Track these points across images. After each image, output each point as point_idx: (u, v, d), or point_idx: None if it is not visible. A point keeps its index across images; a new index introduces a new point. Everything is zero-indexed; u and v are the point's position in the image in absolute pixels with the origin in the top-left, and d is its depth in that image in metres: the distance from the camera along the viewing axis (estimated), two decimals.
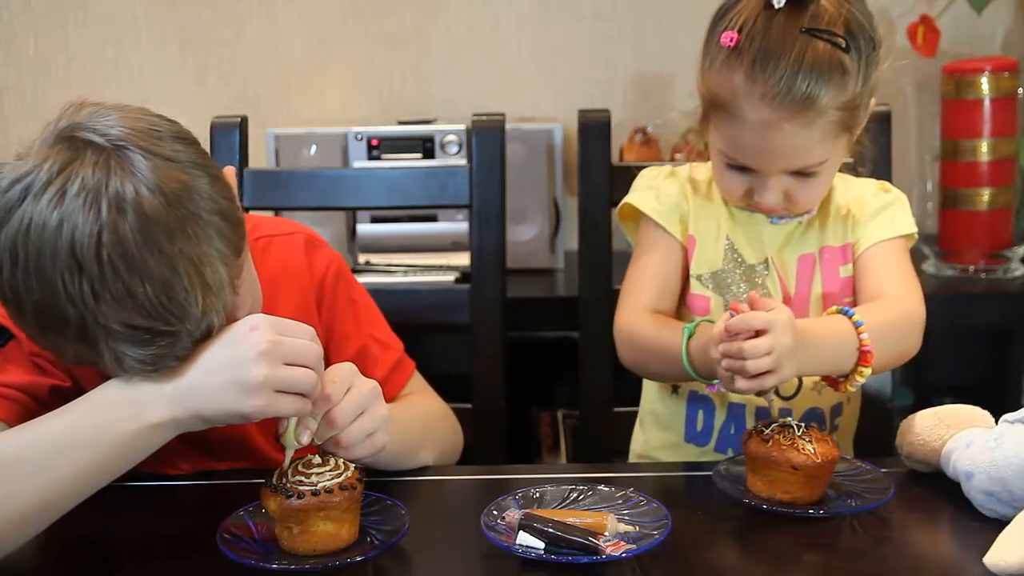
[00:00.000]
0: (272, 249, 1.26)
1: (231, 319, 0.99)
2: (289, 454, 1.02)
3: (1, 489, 0.94)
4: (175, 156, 0.96)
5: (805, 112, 1.18)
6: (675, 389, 1.41)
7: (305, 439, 1.00)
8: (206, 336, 0.97)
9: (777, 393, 1.34)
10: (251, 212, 1.58)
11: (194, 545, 1.03)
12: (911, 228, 1.35)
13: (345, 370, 1.04)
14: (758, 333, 1.11)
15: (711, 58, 1.24)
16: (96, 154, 0.93)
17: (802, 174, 1.25)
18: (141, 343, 0.94)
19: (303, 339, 0.99)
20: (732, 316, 1.12)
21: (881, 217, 1.35)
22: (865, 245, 1.34)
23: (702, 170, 1.40)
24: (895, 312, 1.27)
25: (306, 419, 1.00)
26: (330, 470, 1.00)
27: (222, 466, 1.22)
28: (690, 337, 1.24)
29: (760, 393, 1.15)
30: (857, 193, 1.38)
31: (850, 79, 1.19)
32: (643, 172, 1.44)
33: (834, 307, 1.24)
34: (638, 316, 1.33)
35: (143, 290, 0.91)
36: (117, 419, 0.96)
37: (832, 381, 1.22)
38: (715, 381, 1.23)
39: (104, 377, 1.00)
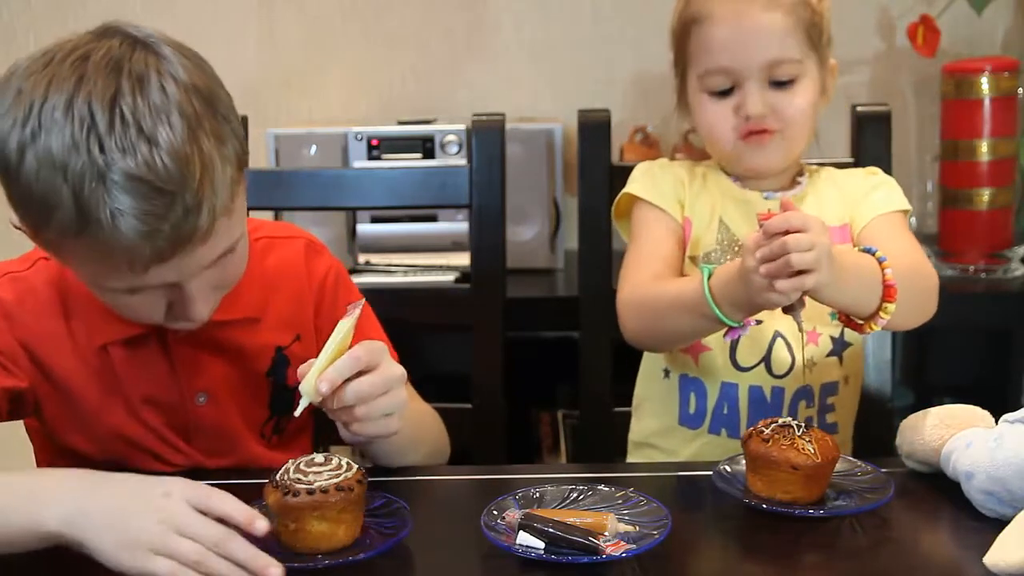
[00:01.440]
0: (273, 250, 1.27)
1: (224, 239, 1.03)
2: (304, 403, 1.03)
3: None
4: (203, 66, 1.04)
5: None
6: (667, 373, 1.41)
7: (324, 388, 1.01)
8: (195, 221, 0.97)
9: (769, 371, 1.35)
10: (251, 213, 1.59)
11: None
12: (906, 204, 1.39)
13: (378, 348, 1.06)
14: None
15: None
16: (124, 38, 1.00)
17: (779, 84, 1.32)
18: (140, 196, 0.95)
19: (226, 507, 0.93)
20: (762, 225, 1.10)
21: (875, 195, 1.39)
22: (864, 221, 1.37)
23: (698, 165, 1.44)
24: (911, 262, 1.28)
25: (329, 372, 1.01)
26: (330, 470, 1.00)
27: (211, 464, 1.21)
28: (710, 277, 1.21)
29: (789, 310, 1.13)
30: (848, 178, 1.43)
31: None
32: (639, 166, 1.46)
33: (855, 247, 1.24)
34: (645, 282, 1.33)
35: (148, 151, 0.95)
36: (18, 508, 0.93)
37: (856, 325, 1.21)
38: (738, 324, 1.20)
39: (83, 362, 1.01)
